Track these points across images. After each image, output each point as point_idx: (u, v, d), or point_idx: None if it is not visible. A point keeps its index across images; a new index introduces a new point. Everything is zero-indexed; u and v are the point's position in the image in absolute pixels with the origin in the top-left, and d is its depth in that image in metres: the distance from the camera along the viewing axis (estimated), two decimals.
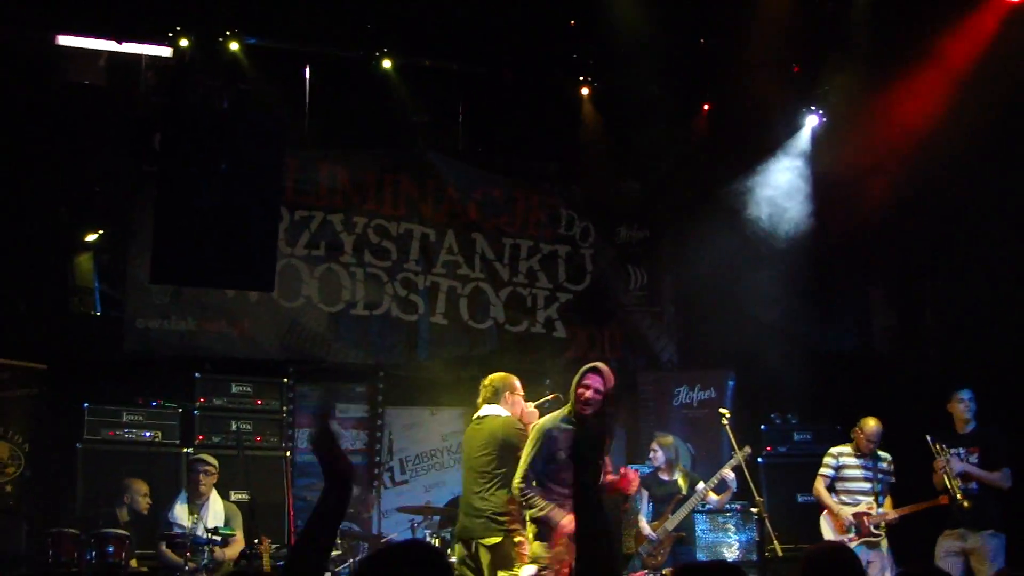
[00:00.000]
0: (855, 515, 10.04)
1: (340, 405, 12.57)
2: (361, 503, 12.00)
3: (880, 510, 10.07)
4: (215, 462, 9.96)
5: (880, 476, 10.15)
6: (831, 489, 10.31)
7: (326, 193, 12.41)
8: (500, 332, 13.05)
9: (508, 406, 8.26)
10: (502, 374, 8.38)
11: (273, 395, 11.37)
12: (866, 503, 10.08)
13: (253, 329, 11.94)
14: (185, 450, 10.64)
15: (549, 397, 7.97)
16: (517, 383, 8.36)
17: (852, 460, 10.24)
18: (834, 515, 10.20)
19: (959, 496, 9.55)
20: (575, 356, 13.14)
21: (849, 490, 10.18)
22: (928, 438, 9.77)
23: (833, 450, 10.41)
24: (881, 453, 10.24)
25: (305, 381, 12.28)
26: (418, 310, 12.70)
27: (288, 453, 11.09)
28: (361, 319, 12.46)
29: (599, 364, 7.65)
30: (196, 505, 9.77)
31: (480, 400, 8.37)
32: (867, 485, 10.12)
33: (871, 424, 10.16)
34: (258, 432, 11.11)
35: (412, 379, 12.76)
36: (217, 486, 10.10)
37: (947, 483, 9.59)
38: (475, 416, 8.42)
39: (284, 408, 11.38)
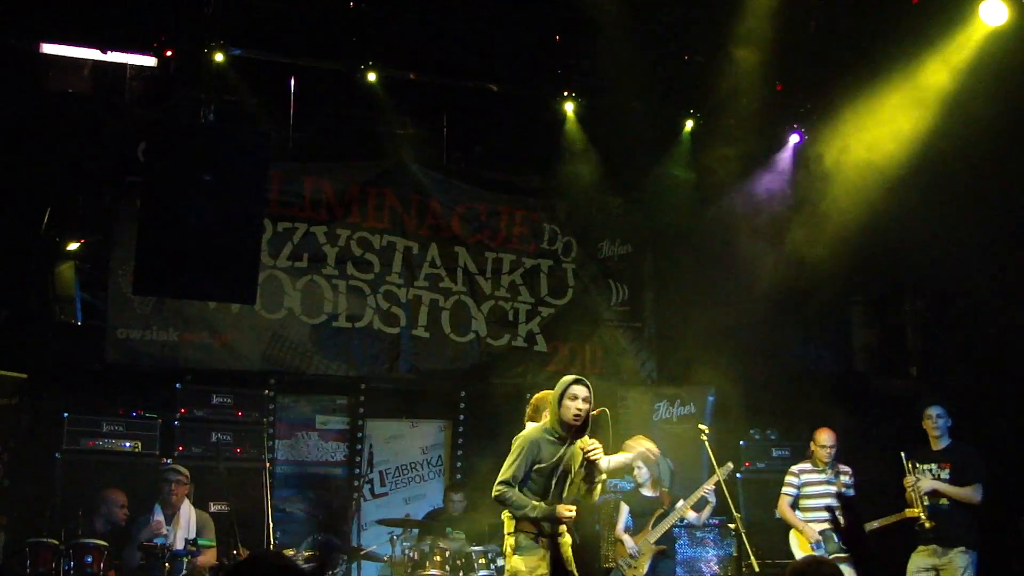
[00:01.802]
0: (822, 532, 10.08)
1: (320, 417, 12.59)
2: (340, 516, 11.99)
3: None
4: (186, 472, 9.94)
5: (843, 491, 10.20)
6: (796, 507, 10.35)
7: (309, 205, 12.42)
8: (482, 346, 13.07)
9: None
10: (543, 392, 8.13)
11: (254, 406, 11.33)
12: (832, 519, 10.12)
13: (234, 340, 11.94)
14: (165, 460, 10.61)
15: (595, 412, 7.90)
16: (569, 387, 8.06)
17: (814, 476, 10.30)
18: (800, 533, 10.24)
19: (923, 517, 9.62)
20: (556, 371, 13.12)
21: (814, 507, 10.23)
22: (902, 455, 9.84)
23: (794, 468, 10.48)
24: (842, 467, 10.30)
25: (286, 393, 12.30)
26: (400, 323, 12.71)
27: (268, 464, 11.04)
28: (343, 331, 12.46)
29: (580, 376, 7.61)
30: (168, 515, 9.75)
31: (525, 419, 8.21)
32: (831, 501, 10.16)
33: (823, 434, 10.26)
34: (238, 443, 11.08)
35: (393, 392, 12.83)
36: (197, 496, 10.11)
37: (915, 501, 9.66)
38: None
39: (264, 420, 11.35)
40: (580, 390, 7.38)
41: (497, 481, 7.46)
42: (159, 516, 9.74)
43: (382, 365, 12.62)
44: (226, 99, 11.15)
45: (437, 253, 13.00)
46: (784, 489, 10.42)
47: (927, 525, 9.59)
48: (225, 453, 10.73)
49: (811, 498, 10.27)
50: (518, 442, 7.52)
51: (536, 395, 8.19)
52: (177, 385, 11.12)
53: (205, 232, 9.20)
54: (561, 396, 7.39)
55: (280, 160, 11.93)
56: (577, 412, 7.33)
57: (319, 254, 12.42)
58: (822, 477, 10.26)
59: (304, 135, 12.18)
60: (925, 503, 9.67)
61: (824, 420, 10.97)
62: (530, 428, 7.69)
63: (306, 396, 12.53)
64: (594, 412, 7.58)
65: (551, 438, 7.43)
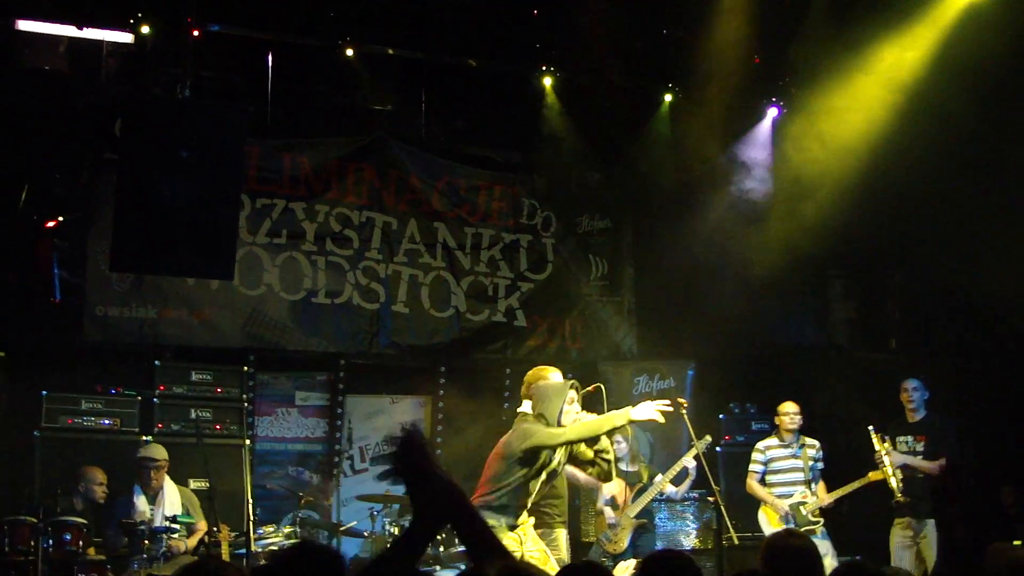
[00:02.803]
0: (791, 506, 10.18)
1: (300, 393, 12.60)
2: (320, 491, 12.05)
3: (814, 498, 10.21)
4: (161, 455, 9.90)
5: (810, 464, 10.30)
6: (763, 483, 10.45)
7: (288, 181, 12.36)
8: (461, 321, 13.08)
9: None
10: (535, 368, 8.11)
11: (233, 383, 11.37)
12: (800, 493, 10.24)
13: (214, 317, 11.91)
14: (144, 438, 10.62)
15: (591, 388, 7.91)
16: (548, 374, 8.00)
17: (780, 452, 10.43)
18: (771, 507, 10.33)
19: (897, 492, 9.72)
20: (536, 345, 13.24)
21: (782, 482, 10.36)
22: (870, 429, 9.94)
23: (760, 444, 10.61)
24: (808, 440, 10.44)
25: (266, 369, 12.29)
26: (379, 299, 12.69)
27: (247, 441, 11.07)
28: (322, 307, 12.44)
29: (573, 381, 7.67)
30: (151, 496, 9.78)
31: (522, 397, 8.05)
32: (799, 475, 10.30)
33: (787, 405, 10.41)
34: (218, 420, 11.11)
35: (373, 367, 12.81)
36: (176, 474, 10.12)
37: (887, 476, 9.76)
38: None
39: (244, 396, 11.38)
40: (574, 394, 7.51)
41: (557, 440, 7.38)
42: (139, 497, 9.74)
43: (361, 341, 12.59)
44: (203, 75, 11.16)
45: (416, 229, 12.97)
46: (751, 467, 10.56)
47: (900, 500, 9.70)
48: (205, 430, 10.68)
49: (778, 472, 10.42)
50: (539, 430, 7.40)
51: (532, 372, 8.09)
52: (156, 362, 11.13)
53: (183, 208, 9.19)
54: (562, 403, 7.43)
55: (258, 136, 11.86)
56: (576, 417, 7.41)
57: (298, 230, 12.38)
58: (788, 452, 10.39)
59: (282, 111, 12.12)
60: (899, 476, 9.78)
61: (802, 393, 11.08)
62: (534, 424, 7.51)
63: (286, 372, 12.51)
64: (589, 388, 7.66)
65: None
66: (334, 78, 11.98)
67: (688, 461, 10.23)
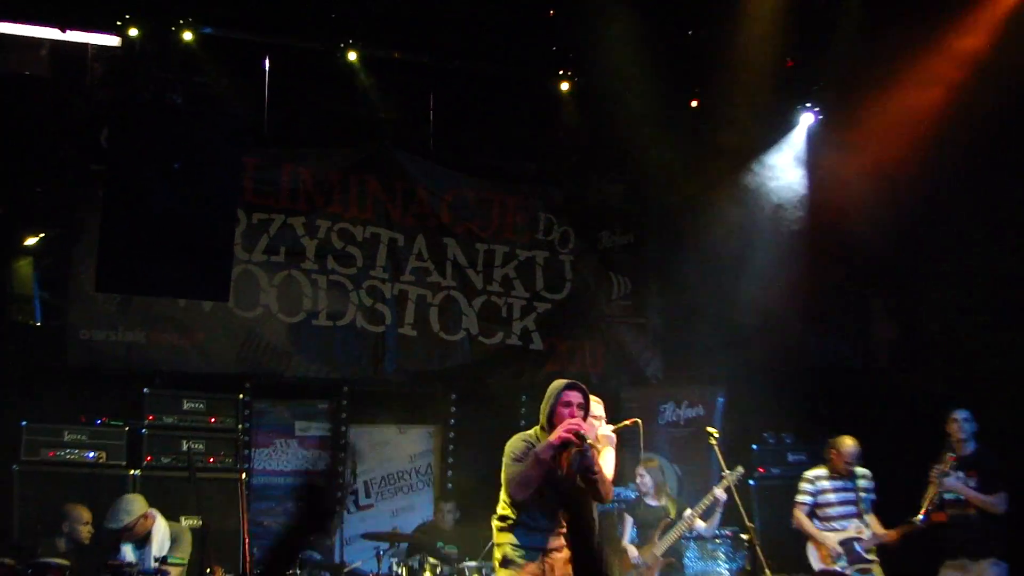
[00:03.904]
0: (843, 542, 10.04)
1: (300, 423, 12.55)
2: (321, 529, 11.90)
3: (870, 532, 10.07)
4: (140, 509, 9.63)
5: (862, 495, 10.17)
6: (812, 516, 10.30)
7: (287, 194, 12.34)
8: (473, 344, 13.04)
9: None
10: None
11: (228, 412, 11.23)
12: (853, 527, 10.09)
13: (207, 341, 11.86)
14: (132, 472, 10.50)
15: (627, 423, 7.75)
16: (563, 392, 7.44)
17: (831, 483, 10.25)
18: (819, 544, 10.19)
19: (922, 511, 9.59)
20: (554, 370, 13.09)
21: (832, 515, 10.19)
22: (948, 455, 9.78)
23: (808, 474, 10.43)
24: (858, 470, 10.27)
25: (263, 397, 12.23)
26: (385, 320, 12.67)
27: (243, 475, 10.95)
28: (324, 330, 12.40)
29: (575, 380, 7.38)
30: (138, 542, 9.61)
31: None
32: (850, 508, 10.15)
33: (847, 443, 10.19)
34: (211, 452, 10.97)
35: (378, 395, 12.77)
36: (167, 511, 9.96)
37: (929, 493, 9.62)
38: None
39: (240, 426, 11.24)
40: (574, 396, 7.19)
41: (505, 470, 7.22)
42: (125, 544, 9.58)
43: (366, 366, 12.58)
44: (196, 81, 11.10)
45: (424, 245, 12.95)
46: (799, 498, 10.38)
47: (916, 520, 9.59)
48: (197, 463, 10.58)
49: (829, 506, 10.23)
50: (508, 449, 7.30)
51: None
52: (145, 390, 10.97)
53: (174, 224, 9.19)
54: (554, 403, 7.20)
55: (254, 146, 11.89)
56: (572, 425, 7.03)
57: (297, 247, 12.35)
58: (839, 483, 10.22)
59: (280, 119, 12.08)
60: (935, 499, 9.64)
61: (843, 422, 10.94)
62: (514, 438, 7.38)
63: (284, 400, 12.49)
64: (626, 422, 7.50)
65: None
66: (335, 84, 11.91)
67: (718, 493, 10.08)
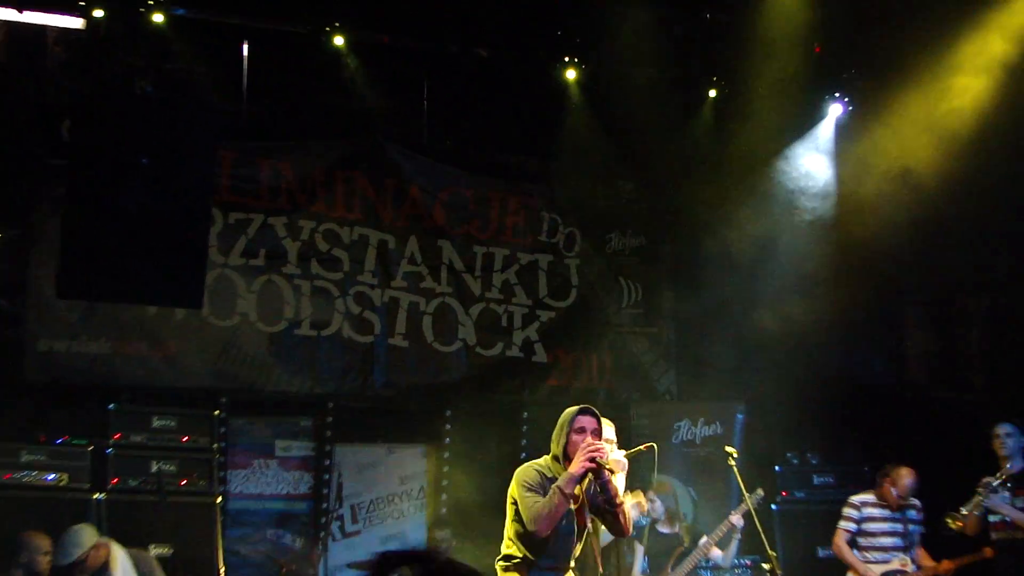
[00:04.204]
0: (886, 574, 9.99)
1: (281, 442, 12.49)
2: (303, 558, 11.90)
3: (914, 567, 10.04)
4: (89, 541, 9.55)
5: (910, 527, 10.14)
6: (853, 544, 10.26)
7: (267, 192, 12.32)
8: (470, 356, 13.04)
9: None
10: None
11: (202, 430, 11.13)
12: (899, 560, 10.05)
13: (179, 352, 11.84)
14: (96, 496, 10.42)
15: (642, 447, 7.69)
16: (575, 419, 7.32)
17: (878, 511, 10.21)
18: (857, 572, 10.16)
19: (953, 521, 9.56)
20: (558, 384, 13.11)
21: (877, 546, 10.18)
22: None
23: (855, 499, 10.39)
24: (910, 500, 10.23)
25: (240, 414, 12.20)
26: (374, 330, 12.66)
27: (219, 499, 10.91)
28: (307, 340, 12.38)
29: (588, 405, 7.26)
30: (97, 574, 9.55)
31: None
32: (897, 539, 10.11)
33: (905, 476, 10.16)
34: (184, 474, 10.87)
35: (366, 411, 12.73)
36: (133, 538, 9.89)
37: (970, 506, 9.55)
38: None
39: (214, 446, 11.18)
40: (587, 420, 7.12)
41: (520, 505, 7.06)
42: None
43: (353, 380, 12.57)
44: (167, 67, 11.06)
45: (417, 248, 12.95)
46: (842, 523, 10.35)
47: (952, 525, 9.55)
48: (168, 486, 10.53)
49: (873, 536, 10.22)
50: (521, 479, 7.13)
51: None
52: (111, 406, 10.90)
53: (143, 224, 9.09)
54: (568, 431, 7.11)
55: (232, 139, 11.88)
56: (591, 451, 6.90)
57: (278, 250, 12.34)
58: (887, 513, 10.18)
59: (260, 109, 12.13)
60: (975, 511, 9.60)
61: (874, 442, 10.89)
62: (525, 467, 7.26)
63: (264, 418, 12.43)
64: (640, 447, 7.44)
65: (552, 477, 7.09)
66: (320, 71, 11.89)
67: (736, 519, 10.04)
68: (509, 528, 7.11)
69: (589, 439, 6.98)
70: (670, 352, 13.90)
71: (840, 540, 10.33)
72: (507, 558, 7.09)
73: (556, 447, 7.13)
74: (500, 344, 13.19)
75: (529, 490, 7.01)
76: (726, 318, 13.12)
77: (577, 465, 6.85)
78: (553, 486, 6.89)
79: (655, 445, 7.43)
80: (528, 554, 7.00)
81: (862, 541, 10.26)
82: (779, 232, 12.80)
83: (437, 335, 12.92)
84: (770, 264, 12.79)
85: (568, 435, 7.08)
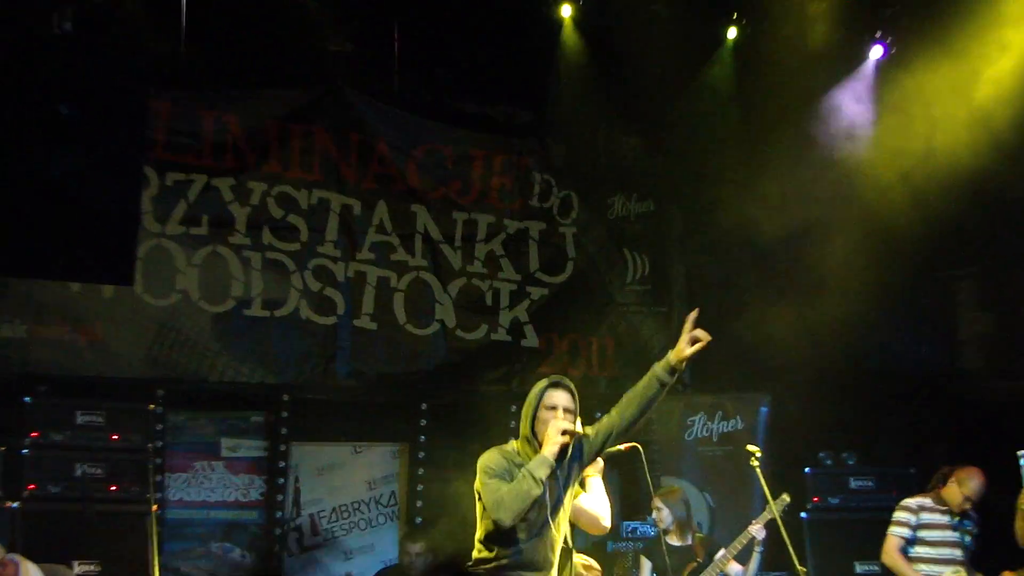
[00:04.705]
0: None
1: (228, 441, 12.48)
2: None
3: None
4: None
5: (966, 538, 10.13)
6: (906, 553, 10.22)
7: (210, 149, 12.28)
8: (449, 340, 13.10)
9: None
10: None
11: (135, 427, 10.98)
12: (951, 571, 10.00)
13: (107, 337, 11.76)
14: (10, 504, 10.32)
15: (623, 447, 7.59)
16: (545, 393, 7.31)
17: (938, 517, 10.16)
18: None
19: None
20: (552, 372, 12.99)
21: (931, 557, 10.12)
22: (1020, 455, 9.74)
23: (910, 502, 10.33)
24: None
25: (180, 408, 12.18)
26: (336, 310, 12.68)
27: (155, 508, 10.84)
28: (258, 322, 12.38)
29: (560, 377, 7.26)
30: None
31: None
32: (955, 551, 10.08)
33: (974, 479, 10.13)
34: (113, 479, 10.77)
35: (328, 404, 12.72)
36: (55, 553, 9.84)
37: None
38: None
39: (150, 446, 11.07)
40: (559, 396, 7.06)
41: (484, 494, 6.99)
42: None
43: (313, 368, 12.58)
44: (91, 2, 10.91)
45: (387, 214, 12.97)
46: (894, 529, 10.30)
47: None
48: (95, 492, 10.45)
49: (930, 545, 10.16)
50: (483, 464, 7.04)
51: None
52: (27, 399, 10.75)
53: (64, 187, 9.06)
54: (535, 407, 7.06)
55: (169, 87, 11.85)
56: (561, 432, 6.92)
57: (224, 216, 12.31)
58: (947, 520, 10.13)
59: (202, 54, 11.99)
60: None
61: (922, 439, 10.84)
62: (489, 452, 7.19)
63: (207, 412, 12.43)
64: (623, 447, 7.29)
65: (520, 462, 7.04)
66: (273, 8, 11.85)
67: (757, 530, 9.98)
68: (479, 528, 7.05)
69: (560, 416, 6.95)
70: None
71: (893, 548, 10.28)
72: (480, 562, 7.02)
73: (524, 427, 7.10)
74: (484, 326, 13.25)
75: (493, 476, 6.93)
76: (748, 296, 13.06)
77: (548, 449, 6.82)
78: (523, 470, 6.82)
79: (639, 446, 7.31)
80: (501, 554, 6.93)
81: (915, 551, 10.20)
82: (807, 194, 12.73)
83: (410, 316, 12.94)
84: (801, 233, 12.75)
85: (536, 412, 7.04)
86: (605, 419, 7.09)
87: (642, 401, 7.07)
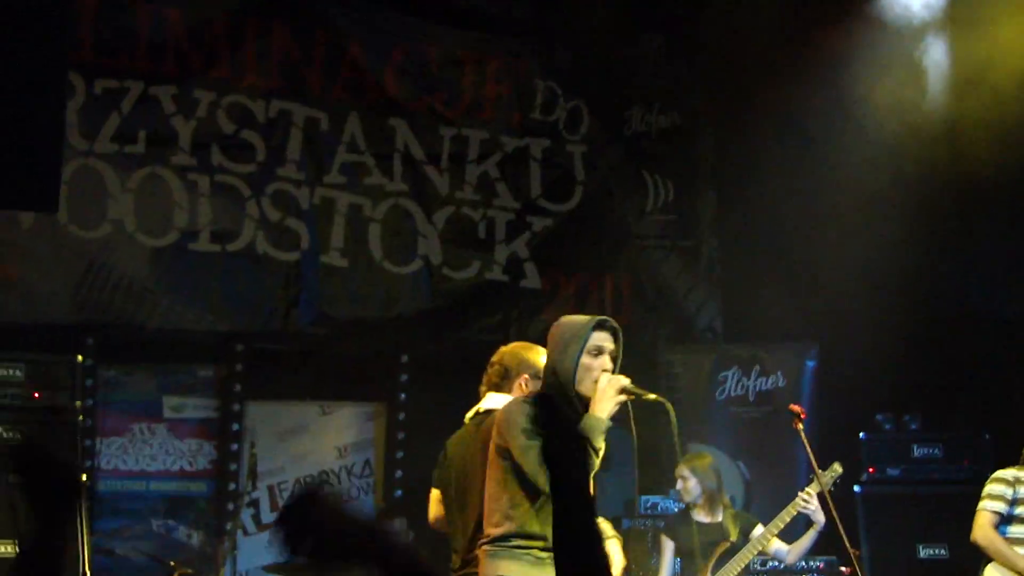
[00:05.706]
0: None
1: (171, 399, 12.54)
2: (203, 559, 11.99)
3: None
4: None
5: None
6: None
7: (147, 51, 12.31)
8: (435, 280, 13.19)
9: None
10: (516, 346, 7.91)
11: (60, 382, 11.02)
12: None
13: (25, 275, 11.86)
14: None
15: (650, 395, 7.59)
16: (542, 358, 7.40)
17: None
18: (1012, 568, 10.19)
19: None
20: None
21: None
22: None
23: (1005, 473, 10.33)
24: None
25: (114, 360, 12.24)
26: (300, 244, 12.74)
27: (83, 477, 10.85)
28: (206, 258, 12.46)
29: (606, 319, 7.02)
30: None
31: (483, 387, 7.86)
32: None
33: None
34: (35, 443, 10.92)
35: (290, 356, 12.85)
36: None
37: None
38: (470, 414, 7.96)
39: (77, 404, 11.07)
40: (606, 341, 6.84)
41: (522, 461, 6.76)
42: None
43: (271, 313, 12.69)
44: None
45: (360, 129, 13.04)
46: (987, 504, 10.28)
47: None
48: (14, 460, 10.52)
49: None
50: (516, 421, 6.74)
51: (507, 349, 7.88)
52: None
53: None
54: (580, 350, 6.81)
55: None
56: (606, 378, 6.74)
57: (165, 132, 12.35)
58: None
59: None
60: None
61: (996, 399, 10.90)
62: (517, 403, 7.01)
63: (146, 365, 12.52)
64: (650, 396, 7.15)
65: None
66: None
67: (807, 504, 10.01)
68: (500, 497, 6.82)
69: (608, 365, 6.75)
70: (713, 275, 13.97)
71: (987, 524, 10.26)
72: (501, 539, 6.77)
73: (563, 372, 6.80)
74: (476, 263, 13.34)
75: (534, 436, 6.62)
76: (792, 229, 13.06)
77: (606, 402, 6.64)
78: (594, 435, 6.59)
79: (668, 403, 7.25)
80: (529, 531, 6.66)
81: (1010, 531, 10.26)
82: (866, 108, 12.73)
83: (388, 251, 13.03)
84: (855, 155, 12.74)
85: (579, 357, 6.78)
86: None
87: None
